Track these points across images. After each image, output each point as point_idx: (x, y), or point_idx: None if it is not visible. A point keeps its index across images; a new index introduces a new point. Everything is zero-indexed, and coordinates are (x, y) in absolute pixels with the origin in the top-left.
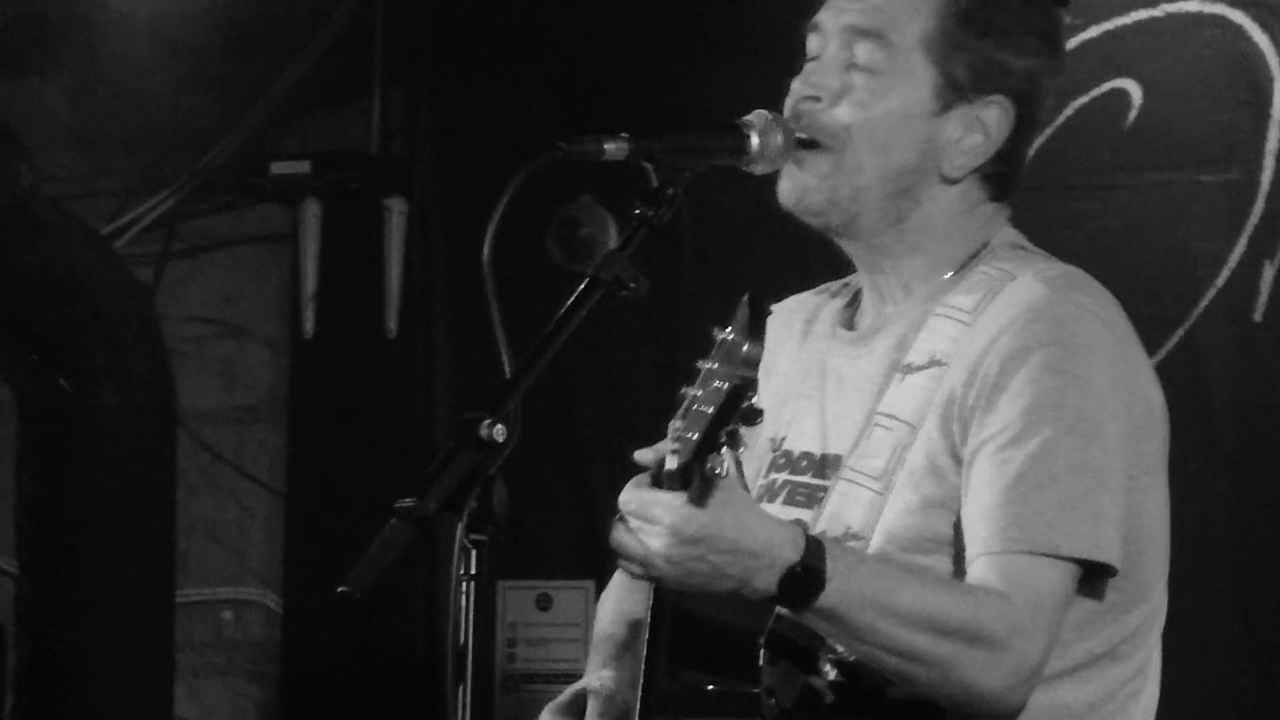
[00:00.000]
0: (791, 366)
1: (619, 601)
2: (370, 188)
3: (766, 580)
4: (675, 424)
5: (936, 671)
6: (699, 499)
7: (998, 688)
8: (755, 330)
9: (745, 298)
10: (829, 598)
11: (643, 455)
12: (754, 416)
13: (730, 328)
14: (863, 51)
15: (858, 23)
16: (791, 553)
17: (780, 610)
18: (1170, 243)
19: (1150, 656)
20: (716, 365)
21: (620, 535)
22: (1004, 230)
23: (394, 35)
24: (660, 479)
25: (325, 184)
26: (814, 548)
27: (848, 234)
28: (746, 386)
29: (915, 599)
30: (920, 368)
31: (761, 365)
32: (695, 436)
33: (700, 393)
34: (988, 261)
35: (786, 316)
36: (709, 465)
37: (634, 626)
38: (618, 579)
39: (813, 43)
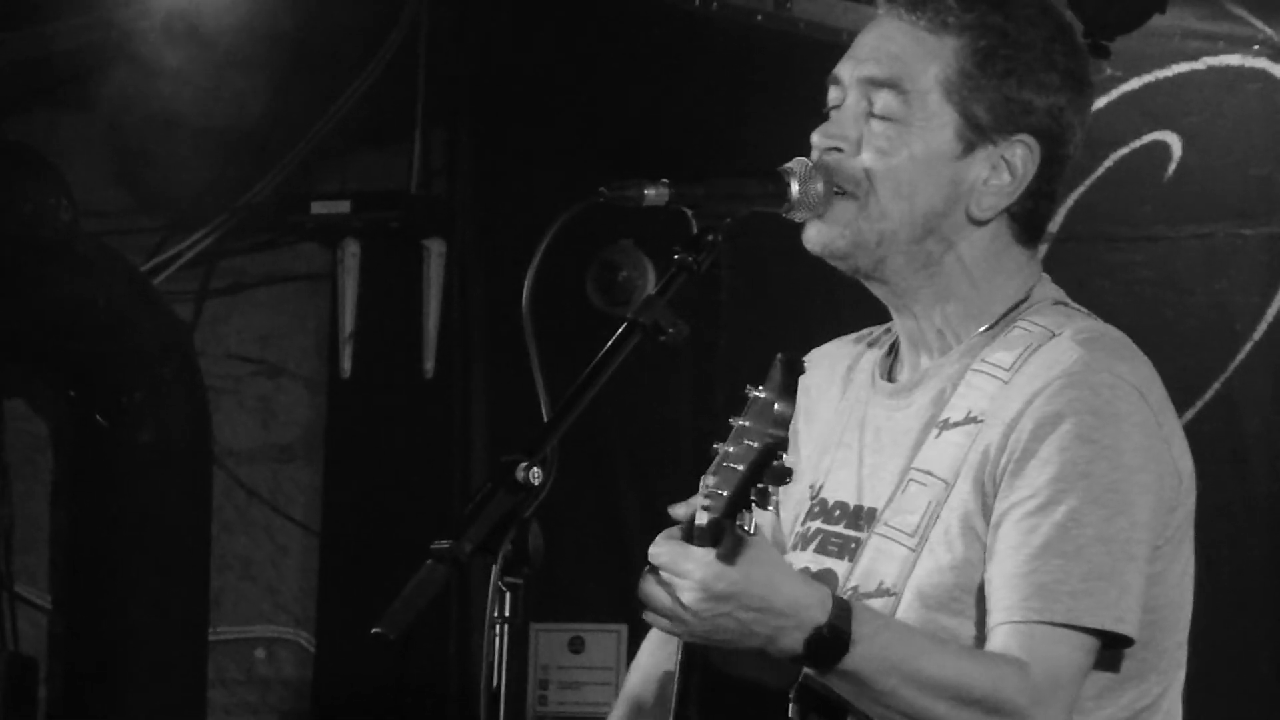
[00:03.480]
0: (833, 415)
1: (654, 664)
2: (410, 228)
3: (793, 640)
4: (707, 480)
5: None
6: (729, 556)
7: None
8: (787, 390)
9: (779, 358)
10: (853, 660)
11: (676, 510)
12: (783, 476)
13: (763, 386)
14: (880, 101)
15: (874, 74)
16: (819, 614)
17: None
18: (1209, 295)
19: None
20: (749, 423)
21: (649, 587)
22: (1044, 284)
23: (435, 77)
24: (691, 534)
25: (365, 224)
26: (841, 610)
27: (877, 277)
28: (777, 446)
29: (938, 667)
30: (957, 424)
31: (806, 411)
32: (726, 493)
33: (732, 449)
34: (1028, 317)
35: (831, 363)
36: (739, 523)
37: (661, 687)
38: (654, 637)
39: (833, 94)
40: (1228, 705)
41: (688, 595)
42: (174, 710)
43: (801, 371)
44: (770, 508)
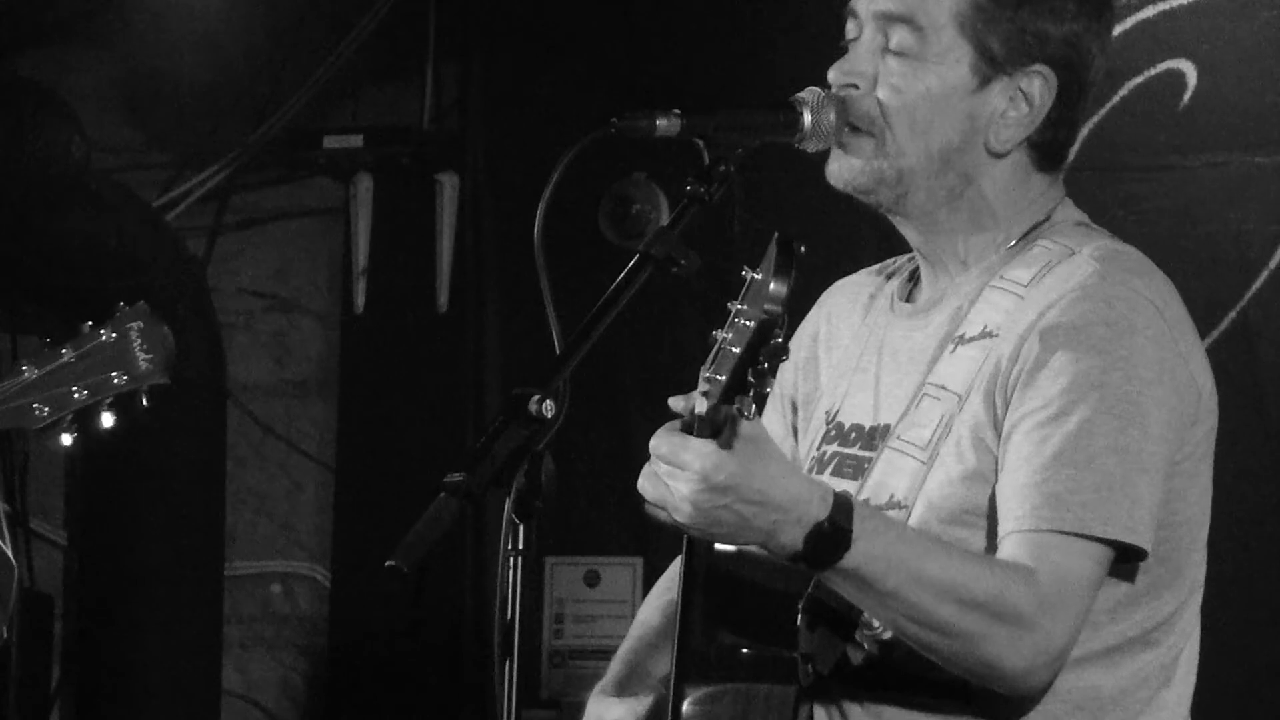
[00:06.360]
0: (851, 341)
1: (668, 596)
2: (422, 163)
3: (793, 536)
4: (706, 367)
5: (959, 644)
6: (728, 443)
7: (1021, 665)
8: (782, 268)
9: (775, 237)
10: (854, 558)
11: (676, 401)
12: (780, 354)
13: (760, 267)
14: (896, 36)
15: (889, 8)
16: (820, 509)
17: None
18: (1224, 224)
19: (1184, 644)
20: (745, 306)
21: (648, 479)
22: (1066, 206)
23: (447, 10)
24: (691, 424)
25: (377, 159)
26: (842, 506)
27: (900, 211)
28: (772, 323)
29: (942, 568)
30: (972, 339)
31: (827, 339)
32: (724, 378)
33: (730, 335)
34: (1049, 236)
35: (854, 291)
36: (737, 407)
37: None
38: (668, 574)
39: (850, 27)
40: (1239, 628)
41: (686, 487)
42: (190, 645)
43: (798, 250)
44: (769, 389)
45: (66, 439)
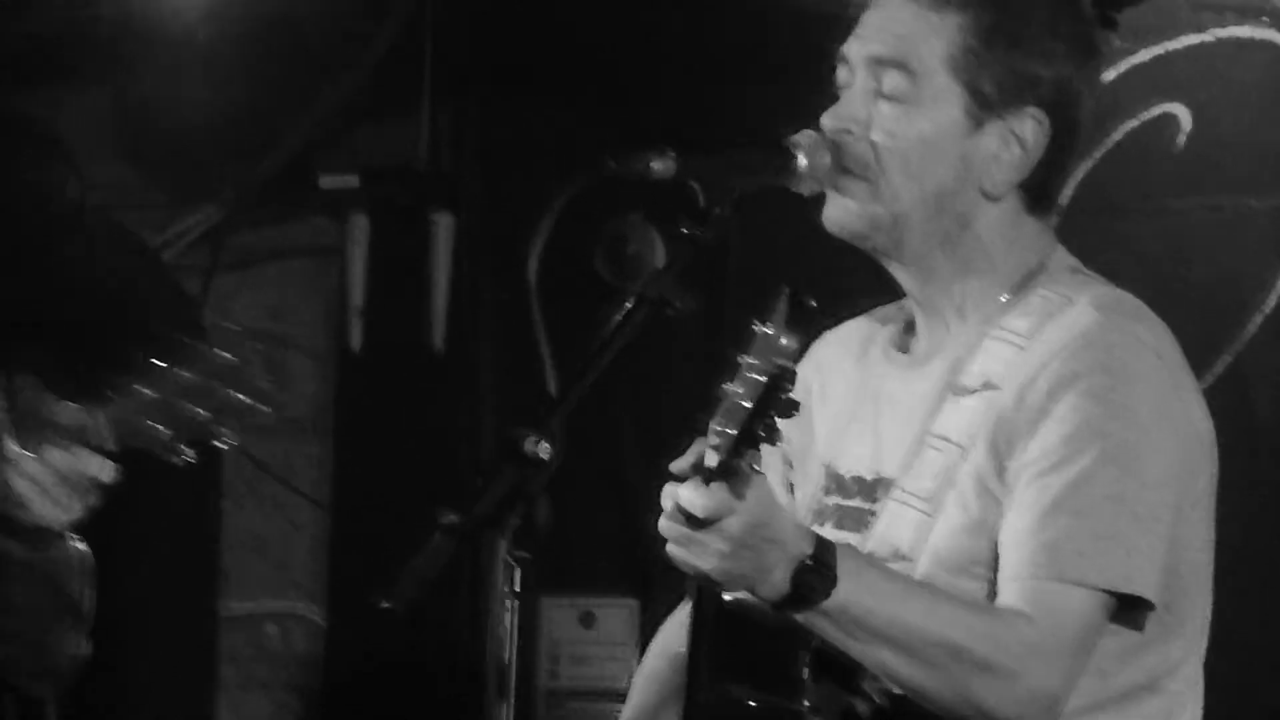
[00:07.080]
0: (846, 390)
1: (673, 643)
2: (418, 202)
3: (782, 575)
4: (715, 420)
5: (950, 687)
6: (740, 494)
7: (1013, 710)
8: (794, 323)
9: (784, 291)
10: (840, 594)
11: (678, 464)
12: (790, 408)
13: (769, 321)
14: (888, 81)
15: (880, 53)
16: (806, 546)
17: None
18: (1218, 267)
19: (1188, 690)
20: (754, 359)
21: (660, 527)
22: (1059, 253)
23: (442, 50)
24: (701, 476)
25: (373, 198)
26: (825, 544)
27: (896, 257)
28: (783, 378)
29: (929, 608)
30: (973, 390)
31: (820, 390)
32: (734, 431)
33: (739, 389)
34: (1045, 285)
35: (844, 340)
36: (747, 461)
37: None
38: (672, 619)
39: (841, 74)
40: (1236, 673)
41: (678, 531)
42: (185, 686)
43: (809, 305)
44: (778, 443)
45: (185, 459)
